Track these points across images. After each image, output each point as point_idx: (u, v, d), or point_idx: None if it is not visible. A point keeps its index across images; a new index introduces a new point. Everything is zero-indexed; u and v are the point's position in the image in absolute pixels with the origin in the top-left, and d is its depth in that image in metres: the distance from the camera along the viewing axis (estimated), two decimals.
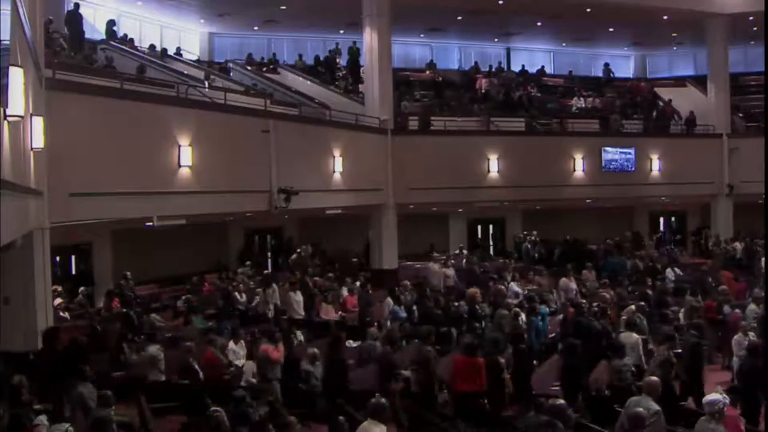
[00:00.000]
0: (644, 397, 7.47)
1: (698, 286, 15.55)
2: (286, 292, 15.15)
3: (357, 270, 20.12)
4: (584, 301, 14.54)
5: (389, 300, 14.52)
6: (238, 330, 12.58)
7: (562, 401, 7.36)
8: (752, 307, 12.86)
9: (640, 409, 7.02)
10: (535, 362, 11.47)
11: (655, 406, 7.25)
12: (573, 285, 16.50)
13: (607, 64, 29.55)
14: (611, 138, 23.72)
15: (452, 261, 19.85)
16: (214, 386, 9.75)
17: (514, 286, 16.63)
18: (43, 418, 7.03)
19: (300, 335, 13.36)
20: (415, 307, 14.67)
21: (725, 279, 16.78)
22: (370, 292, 16.82)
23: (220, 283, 17.74)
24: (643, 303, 13.12)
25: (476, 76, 26.95)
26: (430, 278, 18.09)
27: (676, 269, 19.36)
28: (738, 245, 22.07)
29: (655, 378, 8.00)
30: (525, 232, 24.25)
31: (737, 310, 13.11)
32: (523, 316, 12.95)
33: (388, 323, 13.57)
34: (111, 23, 20.09)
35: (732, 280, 16.99)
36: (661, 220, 28.42)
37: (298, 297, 14.78)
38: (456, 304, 14.41)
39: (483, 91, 25.52)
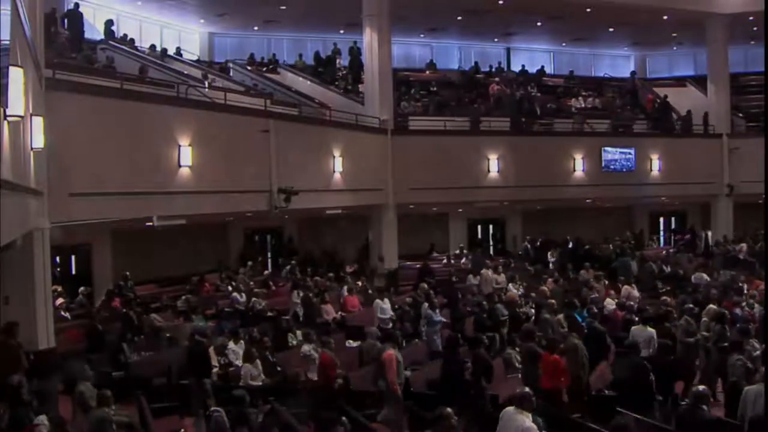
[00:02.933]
0: (761, 385, 7.79)
1: (728, 290, 15.59)
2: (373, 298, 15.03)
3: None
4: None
5: (424, 304, 14.16)
6: (238, 330, 12.58)
7: (704, 387, 7.79)
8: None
9: None
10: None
11: None
12: (635, 292, 16.46)
13: (633, 73, 29.43)
14: (611, 138, 23.73)
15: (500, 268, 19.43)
16: (325, 387, 9.90)
17: (512, 288, 16.62)
18: (43, 418, 7.03)
19: (299, 335, 13.37)
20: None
21: (754, 286, 16.66)
22: (370, 292, 16.82)
23: (221, 283, 17.74)
24: (692, 305, 13.09)
25: (477, 76, 26.90)
26: (481, 284, 17.97)
27: (704, 274, 18.80)
28: (744, 246, 21.98)
29: None
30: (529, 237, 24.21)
31: (747, 308, 13.20)
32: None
33: (424, 327, 13.43)
34: (109, 23, 20.09)
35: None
36: (661, 220, 28.44)
37: (385, 304, 14.42)
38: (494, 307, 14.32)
39: (495, 97, 24.86)
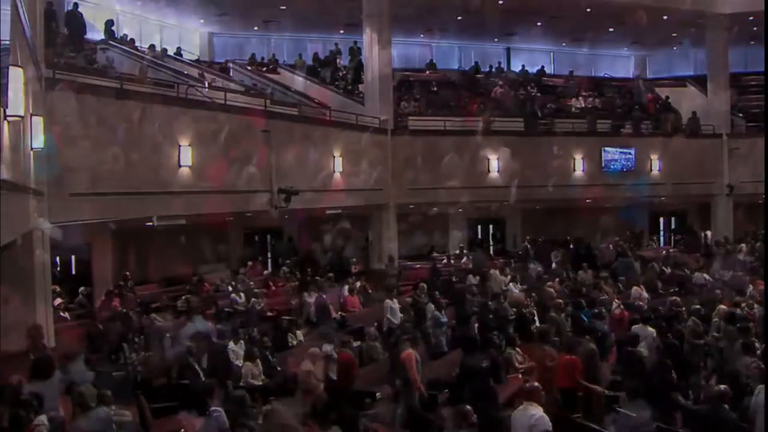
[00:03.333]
0: None
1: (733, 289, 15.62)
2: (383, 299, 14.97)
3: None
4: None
5: (430, 305, 14.17)
6: (238, 330, 12.58)
7: (724, 386, 7.95)
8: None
9: None
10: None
11: None
12: (645, 294, 16.49)
13: (637, 76, 29.47)
14: (611, 138, 23.72)
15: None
16: (346, 388, 10.03)
17: (513, 288, 16.63)
18: (43, 418, 7.02)
19: (300, 335, 13.38)
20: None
21: (758, 285, 16.65)
22: (370, 292, 16.82)
23: (221, 283, 17.73)
24: (699, 306, 13.12)
25: (477, 76, 26.86)
26: (490, 284, 18.01)
27: (705, 275, 18.67)
28: (744, 246, 21.94)
29: None
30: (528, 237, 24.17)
31: (747, 308, 13.24)
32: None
33: (430, 329, 13.33)
34: (109, 23, 20.11)
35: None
36: (662, 220, 28.43)
37: (394, 304, 14.31)
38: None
39: (497, 99, 24.67)
